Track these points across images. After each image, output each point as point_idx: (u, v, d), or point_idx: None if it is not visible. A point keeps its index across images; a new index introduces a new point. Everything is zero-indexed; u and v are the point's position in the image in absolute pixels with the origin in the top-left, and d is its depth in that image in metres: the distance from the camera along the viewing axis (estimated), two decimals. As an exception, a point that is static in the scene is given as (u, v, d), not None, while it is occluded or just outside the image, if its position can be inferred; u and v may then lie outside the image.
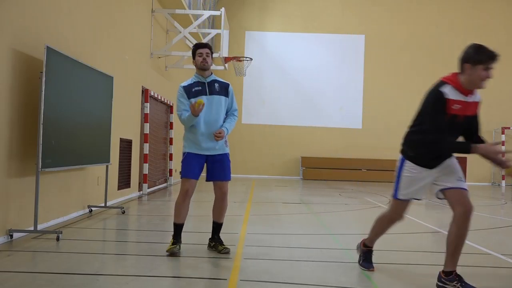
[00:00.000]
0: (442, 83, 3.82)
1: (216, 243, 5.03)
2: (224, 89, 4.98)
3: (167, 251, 4.83)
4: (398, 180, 4.10)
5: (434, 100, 3.76)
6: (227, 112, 5.03)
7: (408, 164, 4.04)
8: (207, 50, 4.93)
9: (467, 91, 3.76)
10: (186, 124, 4.89)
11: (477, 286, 3.80)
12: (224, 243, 5.03)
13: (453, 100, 3.72)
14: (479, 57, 3.67)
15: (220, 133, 4.75)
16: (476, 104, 3.87)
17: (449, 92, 3.72)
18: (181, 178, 5.03)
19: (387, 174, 20.29)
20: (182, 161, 4.97)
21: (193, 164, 4.86)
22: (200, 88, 4.90)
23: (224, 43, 13.32)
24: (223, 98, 4.94)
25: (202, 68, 4.92)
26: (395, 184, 4.12)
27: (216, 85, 4.95)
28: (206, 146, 4.87)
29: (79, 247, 5.24)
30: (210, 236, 5.12)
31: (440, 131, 3.71)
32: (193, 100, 4.82)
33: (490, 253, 5.34)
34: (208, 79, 4.95)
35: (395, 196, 4.15)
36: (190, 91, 4.89)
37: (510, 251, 5.55)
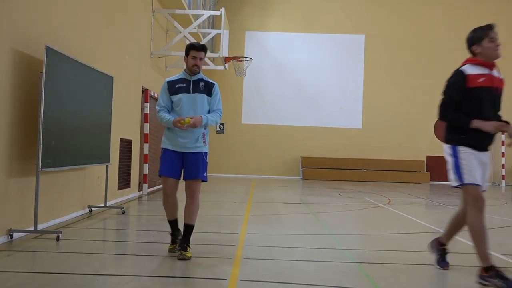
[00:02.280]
0: (460, 67, 4.15)
1: (179, 247, 4.73)
2: (208, 89, 4.87)
3: (168, 251, 4.93)
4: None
5: (454, 79, 4.08)
6: (209, 112, 4.89)
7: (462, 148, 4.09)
8: (202, 54, 4.80)
9: (489, 64, 4.07)
10: (161, 122, 4.84)
11: (477, 286, 3.81)
12: (188, 250, 4.68)
13: (475, 74, 4.01)
14: (478, 35, 4.09)
15: (192, 118, 4.59)
16: (501, 80, 4.13)
17: (468, 68, 4.06)
18: (158, 175, 4.98)
19: (387, 174, 20.34)
20: (160, 158, 4.90)
21: (169, 162, 4.78)
22: (184, 85, 4.82)
23: (224, 43, 13.32)
24: (206, 97, 4.84)
25: (192, 72, 4.83)
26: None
27: (201, 84, 4.85)
28: (184, 143, 4.76)
29: (79, 247, 5.24)
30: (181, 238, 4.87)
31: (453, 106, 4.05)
32: (174, 96, 4.79)
33: (490, 253, 5.33)
34: (194, 78, 4.86)
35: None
36: (173, 87, 4.83)
37: (510, 251, 5.55)
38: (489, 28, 4.08)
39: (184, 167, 4.81)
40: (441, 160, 21.38)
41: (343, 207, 9.98)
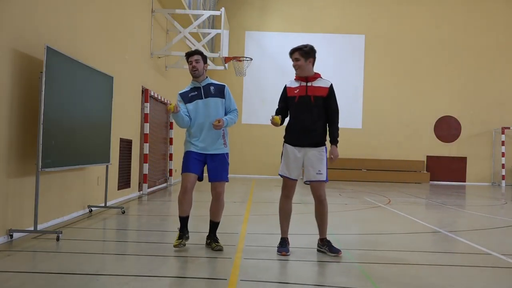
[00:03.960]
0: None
1: (211, 241, 5.17)
2: (219, 91, 5.16)
3: (174, 246, 4.98)
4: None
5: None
6: (226, 113, 5.20)
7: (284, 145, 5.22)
8: (195, 57, 5.12)
9: (303, 78, 5.18)
10: (178, 124, 5.11)
11: (477, 286, 3.80)
12: (219, 242, 5.14)
13: (292, 87, 5.13)
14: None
15: (219, 121, 4.91)
16: (322, 89, 5.15)
17: (289, 82, 5.22)
18: (181, 174, 5.12)
19: (387, 174, 20.34)
20: (183, 159, 5.13)
21: (192, 160, 5.03)
22: (196, 93, 5.12)
23: (224, 43, 13.32)
24: (219, 100, 5.12)
25: (193, 75, 5.14)
26: None
27: (212, 88, 5.14)
28: (205, 146, 5.04)
29: (79, 247, 5.24)
30: (208, 234, 5.26)
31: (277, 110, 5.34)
32: (189, 105, 5.08)
33: (490, 253, 5.34)
34: (203, 83, 5.15)
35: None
36: (186, 97, 5.14)
37: (510, 251, 5.55)
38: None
39: (208, 169, 5.10)
40: (441, 160, 21.27)
41: (343, 207, 9.98)
